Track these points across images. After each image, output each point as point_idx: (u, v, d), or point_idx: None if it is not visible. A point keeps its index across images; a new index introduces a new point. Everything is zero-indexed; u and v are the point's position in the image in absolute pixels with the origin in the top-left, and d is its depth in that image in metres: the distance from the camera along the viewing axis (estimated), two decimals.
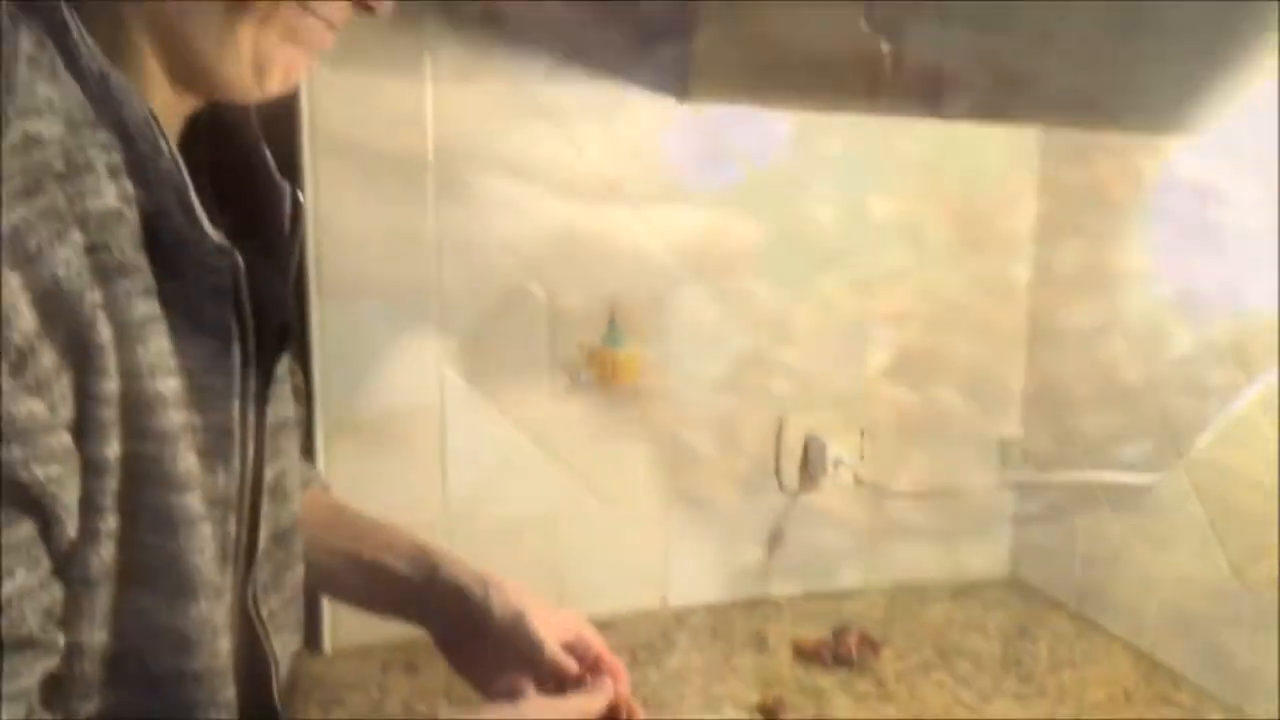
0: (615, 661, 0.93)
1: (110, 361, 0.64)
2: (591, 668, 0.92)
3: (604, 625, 1.35)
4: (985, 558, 1.56)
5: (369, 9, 0.74)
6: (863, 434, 1.46)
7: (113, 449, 0.66)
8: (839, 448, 1.43)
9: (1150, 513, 1.31)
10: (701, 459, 1.41)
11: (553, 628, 0.92)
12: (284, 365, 0.88)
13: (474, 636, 0.92)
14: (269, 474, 0.82)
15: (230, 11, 0.69)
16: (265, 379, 0.81)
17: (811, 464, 1.44)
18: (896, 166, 1.42)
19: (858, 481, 1.44)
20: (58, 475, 0.63)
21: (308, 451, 1.23)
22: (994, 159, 1.45)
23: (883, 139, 1.40)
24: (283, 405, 0.87)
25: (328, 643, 1.28)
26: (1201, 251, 1.23)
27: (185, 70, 0.73)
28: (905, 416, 1.49)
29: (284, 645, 0.85)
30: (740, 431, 1.43)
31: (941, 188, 1.44)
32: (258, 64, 0.72)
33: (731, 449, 1.42)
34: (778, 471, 1.44)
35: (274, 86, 0.73)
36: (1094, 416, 1.41)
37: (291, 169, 1.19)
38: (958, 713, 1.20)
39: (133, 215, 0.67)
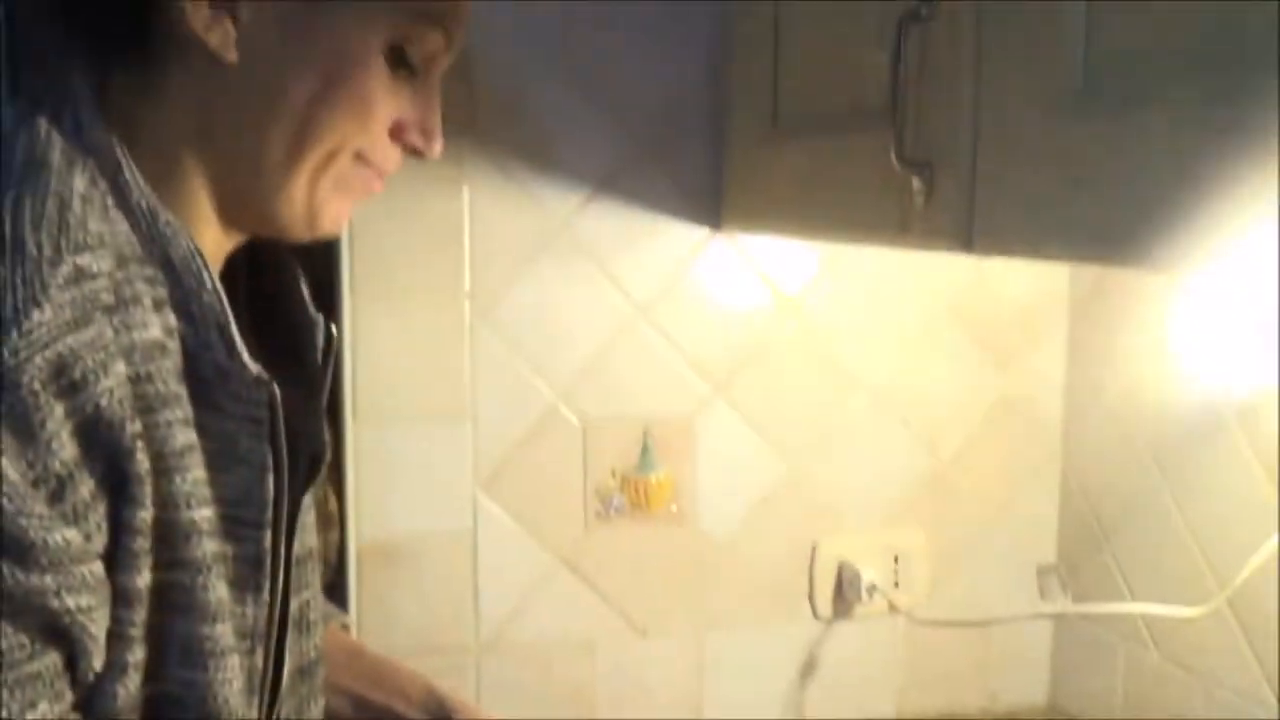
0: None
1: (146, 492, 0.65)
2: None
3: None
4: (1023, 687, 1.53)
5: (420, 154, 0.77)
6: (897, 560, 1.44)
7: (144, 578, 0.67)
8: (873, 574, 1.41)
9: (1193, 645, 1.29)
10: (734, 584, 1.40)
11: None
12: (310, 494, 0.89)
13: None
14: (294, 605, 0.82)
15: (286, 161, 0.72)
16: (294, 509, 0.82)
17: (845, 590, 1.42)
18: (927, 290, 1.43)
19: (892, 609, 1.43)
20: (88, 605, 0.63)
21: (340, 575, 1.23)
22: (1024, 283, 1.47)
23: (913, 263, 1.41)
24: (308, 535, 0.87)
25: None
26: (1237, 377, 1.23)
27: (236, 212, 0.75)
28: (939, 543, 1.47)
29: None
30: (773, 557, 1.42)
31: (972, 311, 1.45)
32: (310, 211, 0.74)
33: (764, 574, 1.41)
34: (811, 598, 1.43)
35: (323, 231, 0.75)
36: (1132, 545, 1.39)
37: (330, 296, 1.21)
38: None
39: (175, 347, 0.69)
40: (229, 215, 0.75)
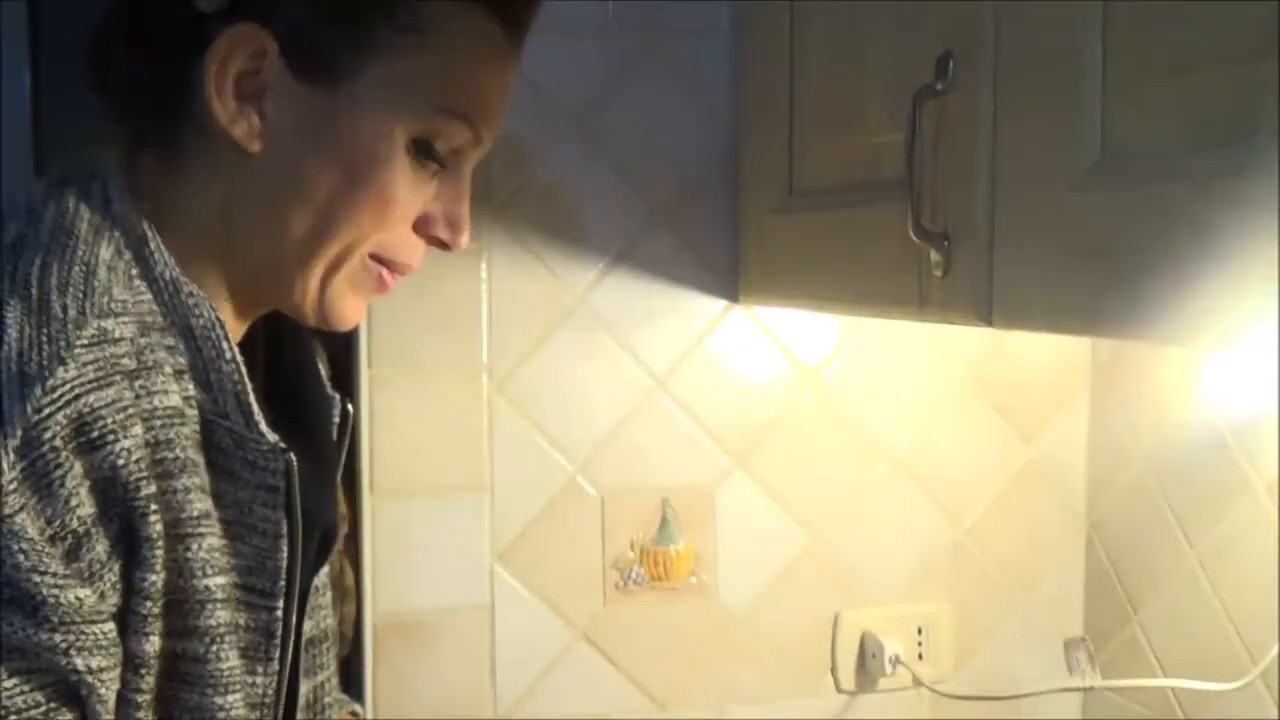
0: None
1: (159, 556, 0.65)
2: None
3: None
4: None
5: (445, 246, 0.77)
6: (920, 631, 1.42)
7: (153, 645, 0.66)
8: (896, 645, 1.39)
9: (1226, 716, 1.26)
10: (755, 657, 1.38)
11: None
12: (324, 575, 0.88)
13: None
14: (305, 687, 0.81)
15: (303, 252, 0.72)
16: (306, 585, 0.81)
17: (868, 663, 1.40)
18: (946, 359, 1.42)
19: (916, 682, 1.40)
20: (99, 667, 0.63)
21: (357, 649, 1.22)
22: (1045, 350, 1.46)
23: (932, 332, 1.41)
24: (323, 616, 0.87)
25: None
26: (1263, 445, 1.21)
27: (251, 294, 0.75)
28: (964, 614, 1.45)
29: None
30: (794, 629, 1.40)
31: (993, 379, 1.44)
32: (321, 303, 0.75)
33: (786, 647, 1.39)
34: (834, 670, 1.41)
35: (335, 325, 0.76)
36: (1161, 616, 1.37)
37: (348, 370, 1.22)
38: None
39: (194, 415, 0.69)
40: (244, 296, 0.76)
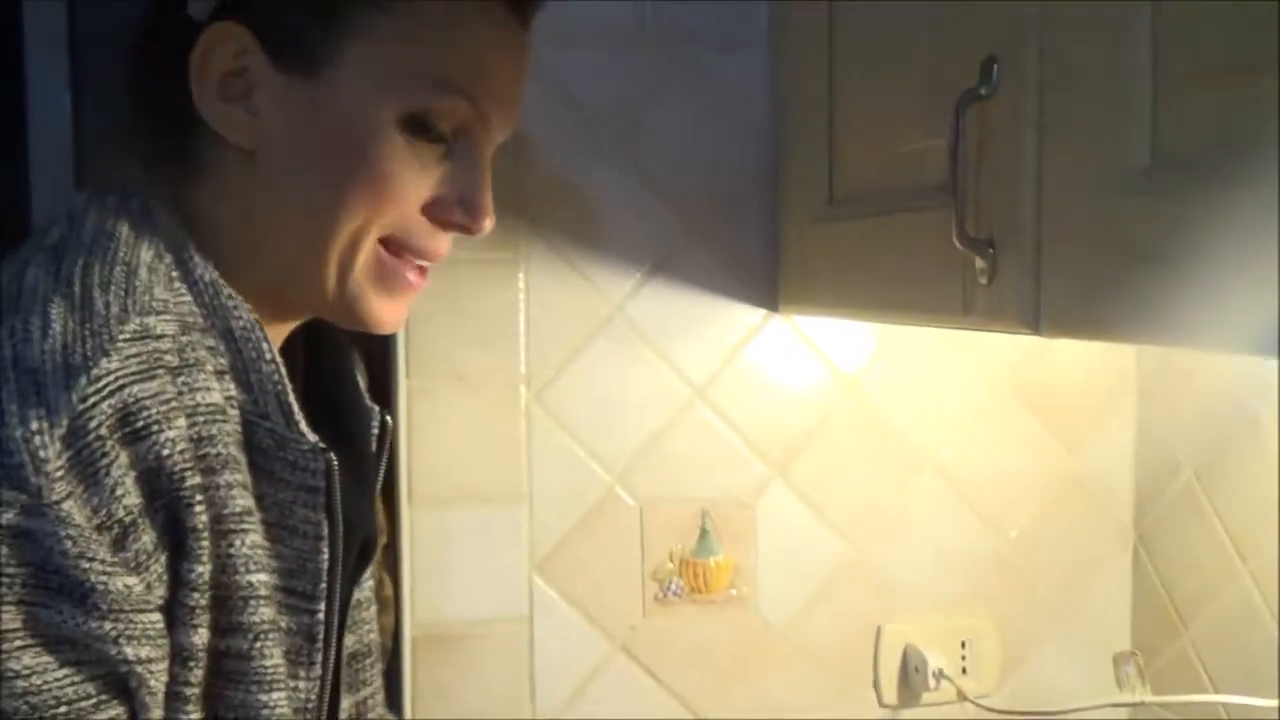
0: None
1: (205, 548, 0.65)
2: None
3: None
4: None
5: (466, 230, 0.76)
6: (964, 645, 1.40)
7: (201, 637, 0.66)
8: (940, 659, 1.37)
9: None
10: (796, 670, 1.37)
11: None
12: (367, 589, 0.88)
13: None
14: (347, 701, 0.81)
15: (313, 246, 0.72)
16: (346, 595, 0.81)
17: (911, 676, 1.38)
18: (988, 367, 1.40)
19: (960, 697, 1.38)
20: (148, 657, 0.63)
21: (395, 660, 1.22)
22: (1089, 357, 1.44)
23: (973, 340, 1.39)
24: (366, 630, 0.87)
25: None
26: None
27: (281, 296, 0.75)
28: (1008, 628, 1.43)
29: None
30: (836, 642, 1.38)
31: (1036, 387, 1.42)
32: (346, 300, 0.74)
33: (827, 660, 1.38)
34: (876, 684, 1.39)
35: (373, 327, 0.75)
36: (1212, 631, 1.34)
37: (385, 380, 1.22)
38: None
39: (235, 415, 0.69)
40: (276, 301, 0.76)
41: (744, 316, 1.32)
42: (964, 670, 1.39)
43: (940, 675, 1.36)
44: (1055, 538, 1.44)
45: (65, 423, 0.60)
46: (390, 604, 1.19)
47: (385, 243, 0.74)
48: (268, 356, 0.71)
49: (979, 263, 0.84)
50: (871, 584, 1.38)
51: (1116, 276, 0.72)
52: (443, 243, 0.76)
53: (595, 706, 1.30)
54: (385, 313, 0.76)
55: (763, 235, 1.31)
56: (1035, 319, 0.79)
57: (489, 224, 0.76)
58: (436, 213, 0.74)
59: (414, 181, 0.73)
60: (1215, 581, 1.32)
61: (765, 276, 1.31)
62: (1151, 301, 0.69)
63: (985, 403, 1.41)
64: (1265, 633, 1.24)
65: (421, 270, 0.76)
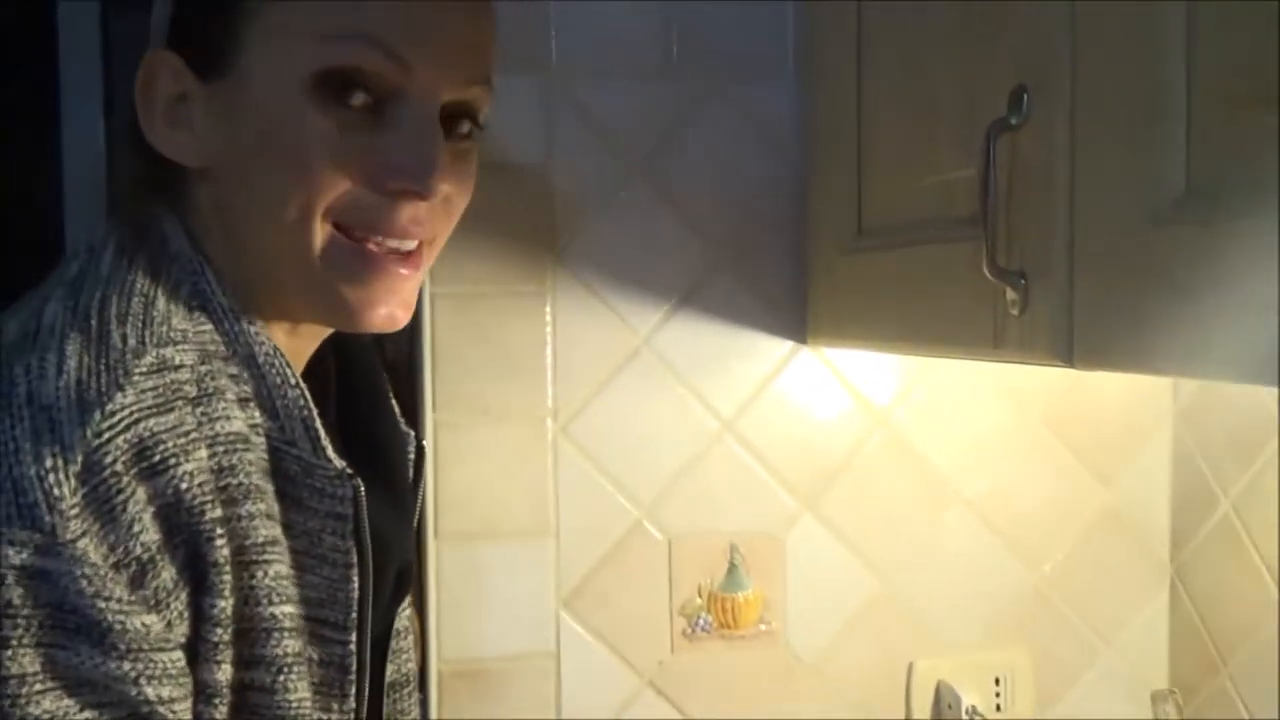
0: None
1: (226, 581, 0.64)
2: None
3: None
4: None
5: (414, 195, 0.70)
6: (998, 681, 1.38)
7: (225, 673, 0.66)
8: (973, 695, 1.35)
9: None
10: (827, 706, 1.35)
11: None
12: (404, 617, 0.87)
13: None
14: None
15: (273, 244, 0.71)
16: (385, 625, 0.80)
17: (944, 713, 1.36)
18: (1020, 398, 1.39)
19: None
20: (170, 697, 0.62)
21: (422, 694, 1.20)
22: (1123, 387, 1.42)
23: (1005, 371, 1.38)
24: (404, 660, 0.86)
25: None
26: None
27: (287, 316, 0.75)
28: (1043, 663, 1.40)
29: None
30: (867, 677, 1.36)
31: (1069, 419, 1.40)
32: (328, 297, 0.72)
33: (859, 696, 1.36)
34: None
35: (369, 324, 0.73)
36: (1252, 667, 1.31)
37: (412, 414, 1.21)
38: None
39: (260, 442, 0.68)
40: (282, 317, 0.75)
41: (772, 348, 1.31)
42: (998, 707, 1.37)
43: (974, 712, 1.34)
44: (1090, 571, 1.42)
45: (80, 459, 0.60)
46: (417, 640, 1.18)
47: (342, 228, 0.70)
48: (292, 381, 0.70)
49: (1010, 294, 0.83)
50: (903, 619, 1.37)
51: (1150, 307, 0.71)
52: (402, 214, 0.70)
53: None
54: (360, 302, 0.71)
55: (791, 267, 1.30)
56: (1068, 351, 0.77)
57: (438, 183, 0.70)
58: (380, 182, 0.69)
59: (343, 153, 0.68)
60: (1254, 615, 1.29)
61: (794, 308, 1.30)
62: (1186, 333, 0.68)
63: (1018, 434, 1.40)
64: None
65: (402, 256, 0.72)
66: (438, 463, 1.23)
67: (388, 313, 0.72)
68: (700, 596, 1.30)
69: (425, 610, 1.22)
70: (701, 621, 1.30)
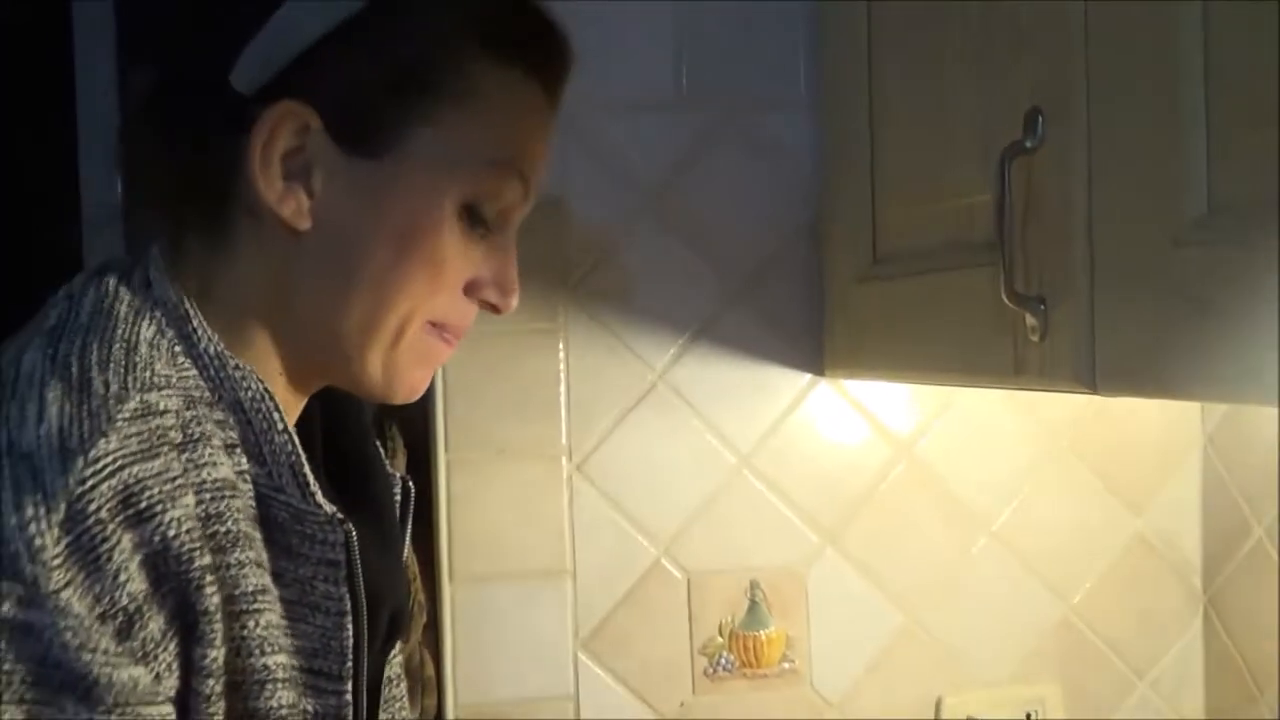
0: None
1: (217, 630, 0.63)
2: None
3: None
4: None
5: (496, 309, 0.76)
6: (1029, 716, 1.34)
7: None
8: None
9: None
10: None
11: None
12: (398, 665, 0.85)
13: None
14: None
15: (362, 329, 0.71)
16: (377, 671, 0.79)
17: None
18: (1045, 426, 1.36)
19: None
20: None
21: None
22: (1150, 413, 1.39)
23: (1029, 398, 1.35)
24: (398, 709, 0.84)
25: None
26: None
27: (307, 373, 0.74)
28: (1076, 697, 1.37)
29: None
30: (895, 715, 1.33)
31: (1095, 446, 1.37)
32: (387, 378, 0.73)
33: None
34: None
35: (400, 399, 0.74)
36: None
37: (425, 453, 1.20)
38: None
39: (247, 489, 0.67)
40: (300, 373, 0.74)
41: (790, 381, 1.29)
42: None
43: None
44: (1121, 603, 1.39)
45: (62, 508, 0.59)
46: (432, 685, 1.16)
47: (434, 324, 0.74)
48: (279, 427, 0.69)
49: (1030, 320, 0.81)
50: (930, 654, 1.34)
51: (1173, 330, 0.69)
52: (473, 318, 0.76)
53: None
54: (421, 383, 0.76)
55: (807, 297, 1.28)
56: (1091, 377, 0.75)
57: (516, 302, 0.77)
58: (473, 292, 0.75)
59: (464, 266, 0.73)
60: None
61: (810, 339, 1.28)
62: (1211, 355, 0.66)
63: (1044, 463, 1.37)
64: None
65: (450, 342, 0.76)
66: (451, 503, 1.21)
67: (424, 388, 0.77)
68: (721, 635, 1.27)
69: (441, 654, 1.20)
70: (724, 661, 1.27)
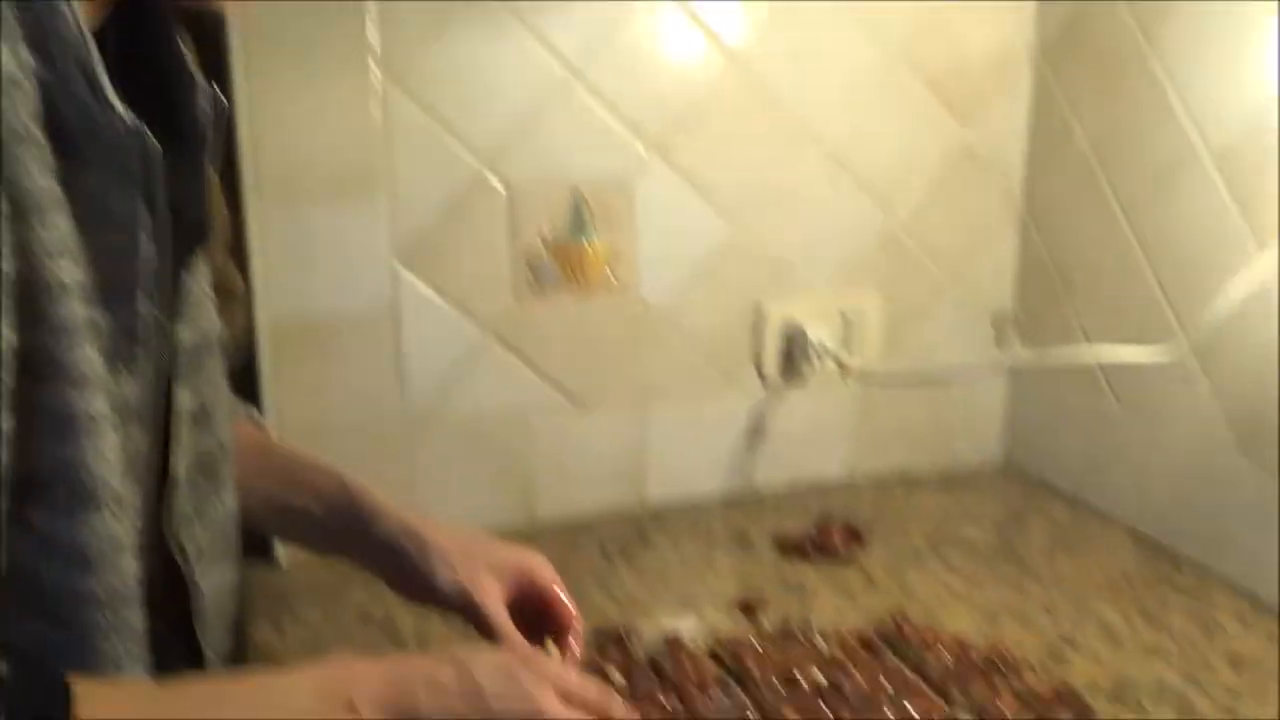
0: (566, 608, 0.88)
1: (4, 238, 0.59)
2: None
3: (579, 526, 1.32)
4: (978, 445, 1.50)
5: None
6: (845, 319, 1.39)
7: (6, 339, 0.61)
8: (821, 335, 1.36)
9: (1153, 391, 1.25)
10: (677, 353, 1.35)
11: (504, 574, 0.87)
12: (202, 279, 0.82)
13: (419, 591, 0.87)
14: (186, 396, 0.77)
15: None
16: (176, 282, 0.76)
17: (793, 353, 1.37)
18: (880, 39, 1.33)
19: (842, 370, 1.38)
20: None
21: (251, 356, 1.18)
22: (985, 28, 1.37)
23: (866, 11, 1.32)
24: (203, 320, 0.81)
25: (282, 556, 1.24)
26: (1216, 116, 1.15)
27: None
28: (894, 303, 1.42)
29: (217, 577, 0.81)
30: (717, 323, 1.36)
31: (930, 60, 1.36)
32: None
33: (708, 342, 1.36)
34: (758, 363, 1.38)
35: None
36: (1095, 298, 1.34)
37: (221, 60, 1.12)
38: (948, 601, 1.15)
39: (31, 87, 0.61)
40: None
41: None
42: (845, 344, 1.38)
43: (823, 351, 1.36)
44: (944, 214, 1.41)
45: None
46: (238, 296, 1.14)
47: None
48: (67, 17, 0.63)
49: None
50: (755, 264, 1.36)
51: None
52: None
53: (467, 394, 1.28)
54: None
55: None
56: None
57: None
58: None
59: None
60: (1102, 251, 1.31)
61: None
62: None
63: (876, 77, 1.35)
64: (1150, 299, 1.24)
65: None
66: (253, 116, 1.15)
67: None
68: (544, 246, 1.27)
69: (248, 268, 1.17)
70: (547, 272, 1.27)
